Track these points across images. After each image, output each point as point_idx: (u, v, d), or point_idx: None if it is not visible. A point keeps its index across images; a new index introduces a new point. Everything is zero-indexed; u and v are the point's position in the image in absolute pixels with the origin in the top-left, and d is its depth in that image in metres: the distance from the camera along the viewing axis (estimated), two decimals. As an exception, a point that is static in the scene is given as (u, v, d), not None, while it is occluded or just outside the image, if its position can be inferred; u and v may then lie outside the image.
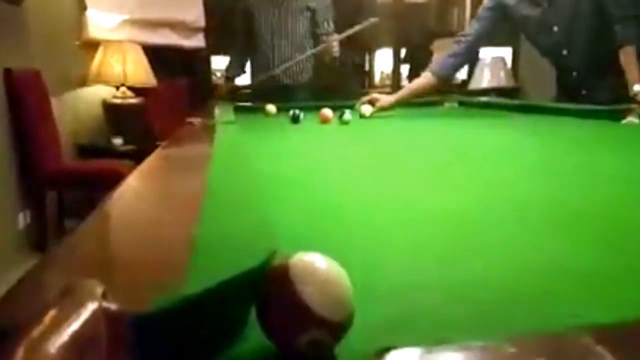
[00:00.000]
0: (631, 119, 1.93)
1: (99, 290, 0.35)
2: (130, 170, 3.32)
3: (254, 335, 0.42)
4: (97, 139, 4.17)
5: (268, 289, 0.39)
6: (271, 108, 2.75)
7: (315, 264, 0.40)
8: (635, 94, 2.11)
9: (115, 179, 3.35)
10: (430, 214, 0.82)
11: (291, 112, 2.46)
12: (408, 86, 2.65)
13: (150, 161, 0.99)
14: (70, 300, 0.31)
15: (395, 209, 0.87)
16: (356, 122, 2.30)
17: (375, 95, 2.68)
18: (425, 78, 2.64)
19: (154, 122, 4.29)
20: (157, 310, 0.34)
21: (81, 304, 0.31)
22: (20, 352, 0.26)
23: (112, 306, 0.32)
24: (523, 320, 0.39)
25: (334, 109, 2.39)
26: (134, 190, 0.74)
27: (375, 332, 0.40)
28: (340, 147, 1.71)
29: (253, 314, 0.42)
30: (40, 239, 3.30)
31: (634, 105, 2.02)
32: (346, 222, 0.77)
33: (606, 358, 0.27)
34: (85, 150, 3.99)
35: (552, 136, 1.84)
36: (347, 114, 2.25)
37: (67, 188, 3.57)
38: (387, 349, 0.28)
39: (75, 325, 0.29)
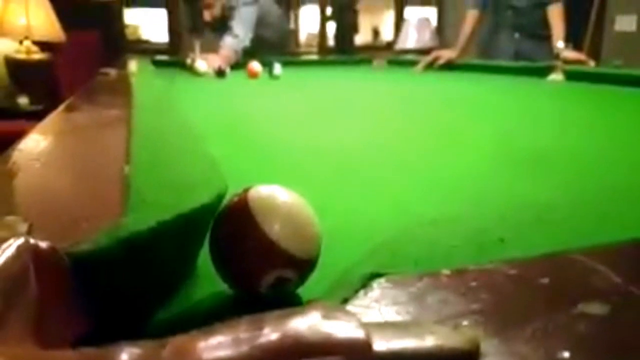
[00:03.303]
0: (554, 76, 2.00)
1: (23, 226, 0.29)
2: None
3: (205, 278, 0.38)
4: (0, 99, 3.81)
5: (226, 226, 0.34)
6: (201, 65, 2.51)
7: (276, 196, 0.35)
8: (559, 51, 2.20)
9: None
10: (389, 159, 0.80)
11: (216, 66, 2.34)
12: (463, 32, 2.70)
13: (60, 111, 0.88)
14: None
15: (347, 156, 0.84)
16: (290, 78, 2.22)
17: (436, 52, 2.71)
18: (472, 16, 2.71)
19: (63, 79, 3.97)
20: (95, 246, 0.28)
21: (4, 239, 0.25)
22: None
23: (41, 243, 0.26)
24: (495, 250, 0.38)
25: (264, 64, 2.30)
26: (44, 137, 0.65)
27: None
28: (272, 101, 1.65)
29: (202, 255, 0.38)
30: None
31: (557, 62, 2.10)
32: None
33: (608, 273, 0.25)
34: (-14, 111, 3.64)
35: (483, 90, 1.88)
36: (277, 68, 2.16)
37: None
38: (375, 275, 0.24)
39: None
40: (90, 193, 0.39)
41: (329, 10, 5.71)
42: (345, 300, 0.22)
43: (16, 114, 3.59)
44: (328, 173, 0.73)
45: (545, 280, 0.24)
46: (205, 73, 2.34)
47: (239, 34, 2.73)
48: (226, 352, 0.15)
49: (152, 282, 0.33)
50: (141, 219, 0.32)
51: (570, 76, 1.96)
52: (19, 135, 2.53)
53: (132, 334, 0.31)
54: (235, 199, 0.35)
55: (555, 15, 2.29)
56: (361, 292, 0.23)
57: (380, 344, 0.16)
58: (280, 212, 0.34)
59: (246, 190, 0.35)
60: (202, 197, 0.38)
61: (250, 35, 2.79)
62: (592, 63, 2.13)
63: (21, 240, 0.25)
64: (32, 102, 3.72)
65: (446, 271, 0.25)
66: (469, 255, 0.31)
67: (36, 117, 3.57)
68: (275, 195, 0.35)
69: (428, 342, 0.18)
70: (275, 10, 3.24)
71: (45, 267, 0.25)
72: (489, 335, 0.20)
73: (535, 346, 0.19)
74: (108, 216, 0.33)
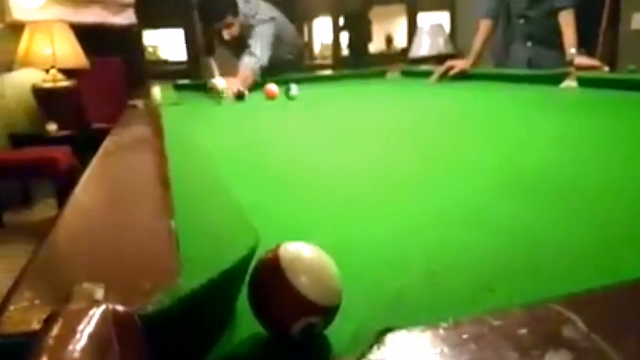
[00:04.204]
0: (569, 82, 2.03)
1: (100, 292, 0.35)
2: (67, 157, 3.16)
3: (244, 323, 0.44)
4: (31, 127, 3.96)
5: (262, 281, 0.41)
6: (220, 82, 2.60)
7: (302, 253, 0.41)
8: (572, 58, 2.22)
9: (52, 168, 3.19)
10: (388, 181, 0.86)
11: (235, 90, 2.42)
12: (476, 41, 2.75)
13: (102, 152, 0.96)
14: (77, 305, 0.32)
15: (358, 177, 0.90)
16: (305, 97, 2.29)
17: (450, 62, 2.74)
18: (485, 25, 2.74)
19: (88, 105, 4.12)
20: (161, 307, 0.35)
21: (89, 307, 0.31)
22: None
23: (119, 307, 0.32)
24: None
25: (278, 83, 2.38)
26: (95, 185, 0.73)
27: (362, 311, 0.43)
28: (289, 125, 1.72)
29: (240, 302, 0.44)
30: (-23, 234, 3.14)
31: (570, 69, 2.12)
32: (315, 196, 0.80)
33: (577, 323, 0.30)
34: (19, 140, 3.79)
35: (494, 102, 1.92)
36: (294, 90, 2.24)
37: (1, 179, 3.39)
38: (387, 330, 0.30)
39: (90, 328, 0.29)
40: (145, 250, 0.46)
41: (342, 21, 5.78)
42: (363, 355, 0.28)
43: (46, 140, 3.73)
44: (337, 203, 0.78)
45: (524, 331, 0.29)
46: (224, 90, 2.42)
47: (257, 54, 2.79)
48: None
49: (203, 330, 0.39)
50: (193, 278, 0.39)
51: (584, 83, 1.99)
52: (49, 160, 2.64)
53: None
54: (270, 255, 0.42)
55: (566, 21, 2.31)
56: (375, 347, 0.29)
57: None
58: (307, 267, 0.40)
59: (277, 248, 0.42)
60: (239, 250, 0.44)
61: (268, 54, 2.85)
62: (606, 69, 2.15)
63: (104, 307, 0.32)
64: (60, 128, 3.86)
65: (444, 324, 0.31)
66: (465, 304, 0.37)
67: (64, 142, 3.70)
68: (302, 252, 0.41)
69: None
70: (290, 28, 3.31)
71: (123, 329, 0.32)
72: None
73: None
74: (164, 274, 0.39)
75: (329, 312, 0.40)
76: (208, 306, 0.39)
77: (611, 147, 1.07)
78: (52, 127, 3.83)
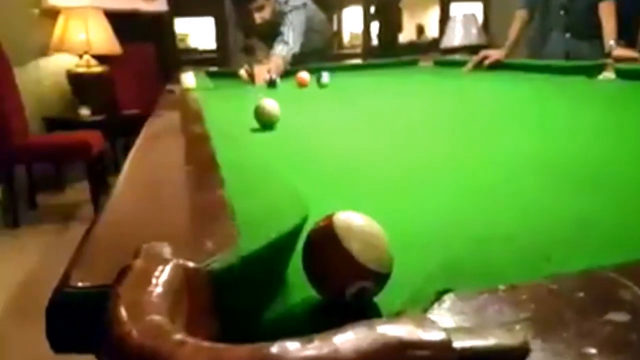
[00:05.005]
0: (607, 74, 1.99)
1: (168, 250, 0.37)
2: (99, 140, 3.21)
3: (297, 286, 0.45)
4: (64, 111, 4.06)
5: (317, 247, 0.42)
6: (245, 73, 2.71)
7: (354, 221, 0.43)
8: (610, 49, 2.18)
9: (84, 151, 3.26)
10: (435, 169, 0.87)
11: (267, 77, 2.44)
12: (511, 31, 2.72)
13: (147, 133, 0.99)
14: (148, 259, 0.34)
15: (403, 164, 0.91)
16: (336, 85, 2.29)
17: (484, 52, 2.73)
18: (520, 16, 2.72)
19: (119, 90, 4.19)
20: (226, 265, 0.36)
21: (161, 260, 0.33)
22: (122, 310, 0.28)
23: (189, 263, 0.34)
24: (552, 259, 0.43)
25: (311, 72, 2.38)
26: (144, 161, 0.75)
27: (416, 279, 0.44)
28: (322, 112, 1.73)
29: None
30: (11, 214, 3.23)
31: (609, 61, 2.08)
32: (360, 179, 0.81)
33: (632, 287, 0.31)
34: (53, 123, 3.88)
35: (528, 91, 1.90)
36: (325, 77, 2.24)
37: (35, 162, 3.49)
38: (447, 291, 0.31)
39: (163, 277, 0.31)
40: (203, 215, 0.48)
41: (372, 10, 5.74)
42: (425, 311, 0.29)
43: (78, 124, 3.82)
44: (378, 185, 0.79)
45: (581, 294, 0.30)
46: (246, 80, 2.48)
47: (289, 41, 2.80)
48: (358, 344, 0.23)
49: (261, 291, 0.41)
50: (251, 241, 0.40)
51: (622, 74, 1.95)
52: (81, 144, 2.70)
53: (246, 333, 0.39)
54: (322, 223, 0.43)
55: (606, 12, 2.27)
56: (435, 305, 0.30)
57: (457, 343, 0.23)
58: (359, 233, 0.42)
59: (330, 216, 0.43)
60: (292, 219, 0.46)
61: (300, 40, 2.86)
62: (645, 60, 2.11)
63: (175, 262, 0.34)
64: (93, 113, 3.94)
65: (502, 287, 0.32)
66: (520, 271, 0.38)
67: (96, 126, 3.77)
68: (354, 220, 0.43)
69: (491, 341, 0.25)
70: (319, 15, 3.31)
71: (192, 283, 0.34)
72: (535, 337, 0.26)
73: (569, 345, 0.25)
74: (225, 237, 0.41)
75: (381, 278, 0.41)
76: (265, 268, 0.41)
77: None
78: (85, 112, 3.92)
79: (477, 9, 5.28)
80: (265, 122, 1.29)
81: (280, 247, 0.42)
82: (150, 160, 0.73)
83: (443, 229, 0.57)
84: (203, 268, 0.35)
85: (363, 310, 0.41)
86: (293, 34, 2.83)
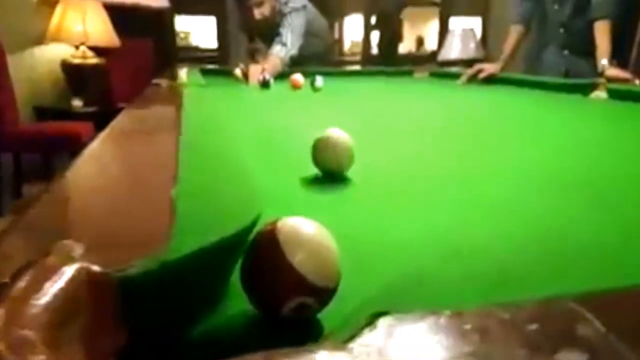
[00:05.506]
0: (599, 93, 1.97)
1: (78, 250, 0.33)
2: (90, 132, 3.17)
3: (235, 300, 0.41)
4: (56, 101, 4.01)
5: (255, 254, 0.38)
6: (240, 73, 2.68)
7: (303, 228, 0.39)
8: (603, 68, 2.16)
9: (74, 142, 3.22)
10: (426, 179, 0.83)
11: (260, 77, 2.41)
12: (506, 46, 2.70)
13: (117, 122, 0.95)
14: (51, 261, 0.30)
15: (387, 174, 0.87)
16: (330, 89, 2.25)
17: (479, 65, 2.72)
18: (516, 31, 2.70)
19: (115, 84, 4.15)
20: (142, 271, 0.32)
21: (62, 264, 0.29)
22: (0, 313, 0.25)
23: (95, 267, 0.30)
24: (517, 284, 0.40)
25: (304, 74, 2.35)
26: (101, 151, 0.71)
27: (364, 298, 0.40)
28: (308, 114, 1.69)
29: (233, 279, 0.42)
30: (-4, 202, 3.18)
31: (601, 80, 2.06)
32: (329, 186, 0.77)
33: (593, 322, 0.27)
34: (44, 112, 3.83)
35: (520, 106, 1.87)
36: (319, 81, 2.21)
37: (23, 151, 3.43)
38: (381, 314, 0.27)
39: (58, 285, 0.27)
40: (142, 216, 0.44)
41: (373, 20, 5.73)
42: (350, 338, 0.25)
43: (70, 114, 3.77)
44: (355, 194, 0.76)
45: (533, 326, 0.26)
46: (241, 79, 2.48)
47: (287, 43, 2.77)
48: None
49: (188, 302, 0.37)
50: (184, 246, 0.36)
51: (614, 94, 1.92)
52: (72, 135, 2.66)
53: (166, 348, 0.35)
54: (268, 227, 0.39)
55: (601, 31, 2.25)
56: (366, 330, 0.26)
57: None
58: (305, 243, 0.38)
59: (275, 221, 0.39)
60: (238, 224, 0.42)
61: (299, 43, 2.82)
62: (637, 81, 2.08)
63: (77, 265, 0.30)
64: (85, 104, 3.90)
65: (447, 312, 0.28)
66: (472, 295, 0.34)
67: (89, 118, 3.73)
68: (301, 227, 0.39)
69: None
70: (320, 20, 3.28)
71: (97, 289, 0.30)
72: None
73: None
74: (156, 241, 0.37)
75: (324, 293, 0.37)
76: (197, 277, 0.37)
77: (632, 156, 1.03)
78: (77, 103, 3.87)
79: (476, 23, 5.27)
80: (331, 170, 0.80)
81: (218, 254, 0.38)
82: (106, 154, 0.69)
83: (411, 242, 0.53)
84: (114, 273, 0.31)
85: (301, 328, 0.37)
86: (291, 35, 2.80)
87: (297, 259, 0.36)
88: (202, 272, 0.37)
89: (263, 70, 2.48)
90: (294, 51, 2.79)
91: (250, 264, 0.38)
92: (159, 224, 0.40)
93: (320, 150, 0.79)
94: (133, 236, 0.39)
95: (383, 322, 0.27)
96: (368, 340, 0.25)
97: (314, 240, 0.38)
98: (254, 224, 0.42)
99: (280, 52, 2.73)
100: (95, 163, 0.63)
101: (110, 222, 0.42)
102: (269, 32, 2.87)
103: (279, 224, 0.38)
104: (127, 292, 0.32)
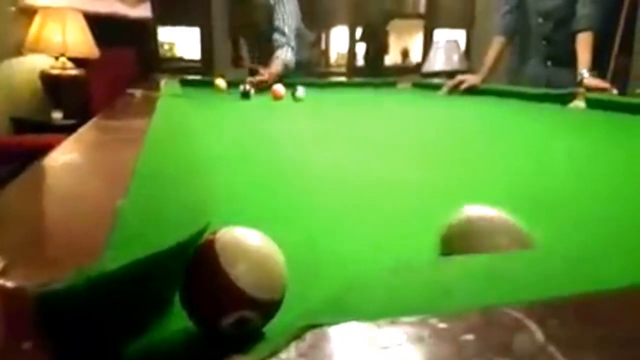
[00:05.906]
0: (578, 102, 1.99)
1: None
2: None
3: (177, 316, 0.39)
4: (35, 113, 3.95)
5: (193, 265, 0.36)
6: (221, 82, 2.66)
7: (244, 239, 0.37)
8: (582, 78, 2.18)
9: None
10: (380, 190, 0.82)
11: (241, 87, 2.39)
12: (488, 57, 2.70)
13: (82, 132, 0.93)
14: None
15: (351, 183, 0.85)
16: (311, 100, 2.25)
17: (460, 77, 2.72)
18: (498, 42, 2.71)
19: (96, 95, 4.10)
20: (66, 286, 0.30)
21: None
22: None
23: (9, 283, 0.28)
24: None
25: (286, 85, 2.34)
26: (56, 162, 0.69)
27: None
28: (291, 126, 1.68)
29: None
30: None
31: (580, 90, 2.08)
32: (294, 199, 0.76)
33: (535, 333, 0.26)
34: (22, 125, 3.76)
35: (501, 117, 1.87)
36: (300, 91, 2.20)
37: (0, 164, 3.37)
38: (310, 326, 0.26)
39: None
40: (79, 229, 0.42)
41: (359, 32, 5.76)
42: (272, 354, 0.23)
43: (49, 127, 3.71)
44: (323, 204, 0.74)
45: (470, 337, 0.25)
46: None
47: (286, 31, 2.77)
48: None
49: (122, 316, 0.35)
50: (117, 258, 0.34)
51: (592, 104, 1.94)
52: (50, 148, 2.60)
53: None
54: (208, 237, 0.37)
55: (583, 43, 2.27)
56: (292, 345, 0.24)
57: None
58: (246, 254, 0.36)
59: (215, 231, 0.37)
60: (180, 235, 0.40)
61: (295, 25, 2.82)
62: (614, 91, 2.10)
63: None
64: (65, 117, 3.84)
65: (380, 322, 0.26)
66: (414, 304, 0.32)
67: (68, 130, 3.68)
68: (243, 238, 0.37)
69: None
70: (304, 31, 3.27)
71: (11, 306, 0.28)
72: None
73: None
74: (90, 255, 0.35)
75: (268, 306, 0.35)
76: (129, 291, 0.35)
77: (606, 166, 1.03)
78: (57, 115, 3.81)
79: (461, 36, 5.32)
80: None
81: (154, 268, 0.36)
82: (60, 165, 0.67)
83: (364, 254, 0.51)
84: (33, 289, 0.29)
85: (242, 342, 0.35)
86: (288, 24, 2.80)
87: (236, 271, 0.34)
88: (136, 284, 0.35)
89: (270, 74, 2.58)
90: (292, 41, 2.79)
91: (187, 275, 0.36)
92: (96, 236, 0.38)
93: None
94: (66, 249, 0.36)
95: (310, 335, 0.25)
96: (290, 355, 0.23)
97: (256, 251, 0.36)
98: (198, 234, 0.40)
99: (287, 57, 2.74)
100: (47, 173, 0.61)
101: (45, 235, 0.40)
102: (255, 34, 2.88)
103: (218, 234, 0.36)
104: (48, 309, 0.29)
